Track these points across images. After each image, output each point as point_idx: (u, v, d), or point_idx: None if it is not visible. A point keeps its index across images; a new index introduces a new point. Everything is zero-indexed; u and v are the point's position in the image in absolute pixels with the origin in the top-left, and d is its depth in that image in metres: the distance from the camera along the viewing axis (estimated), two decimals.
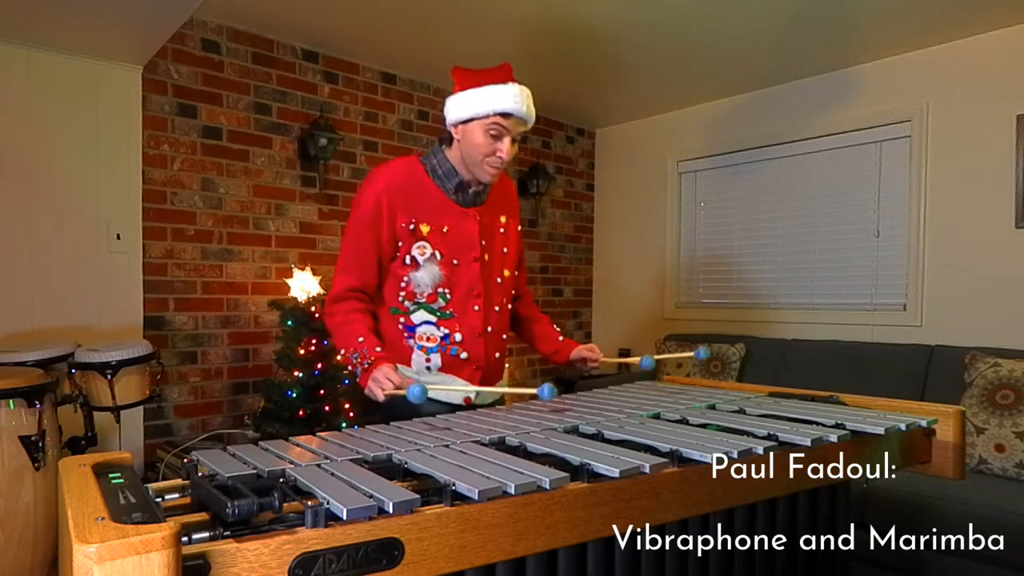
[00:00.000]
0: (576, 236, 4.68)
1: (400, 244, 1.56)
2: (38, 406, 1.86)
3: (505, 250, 1.68)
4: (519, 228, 1.76)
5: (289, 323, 2.82)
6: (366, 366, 1.46)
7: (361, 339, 1.49)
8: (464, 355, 1.59)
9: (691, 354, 1.86)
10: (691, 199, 4.24)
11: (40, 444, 1.86)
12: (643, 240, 4.47)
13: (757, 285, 3.91)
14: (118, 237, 2.72)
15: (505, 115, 1.49)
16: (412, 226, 1.54)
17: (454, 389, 1.57)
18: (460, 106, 1.52)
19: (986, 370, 2.60)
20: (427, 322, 1.58)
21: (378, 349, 1.49)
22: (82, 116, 2.64)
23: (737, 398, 1.55)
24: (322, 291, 2.97)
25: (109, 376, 2.20)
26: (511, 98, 1.48)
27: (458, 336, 1.58)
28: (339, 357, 1.55)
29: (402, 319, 1.59)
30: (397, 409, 1.43)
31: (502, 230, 1.68)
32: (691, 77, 3.67)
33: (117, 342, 2.38)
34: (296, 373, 2.78)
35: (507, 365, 1.81)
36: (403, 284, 1.57)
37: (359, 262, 1.56)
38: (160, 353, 2.53)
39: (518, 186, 4.26)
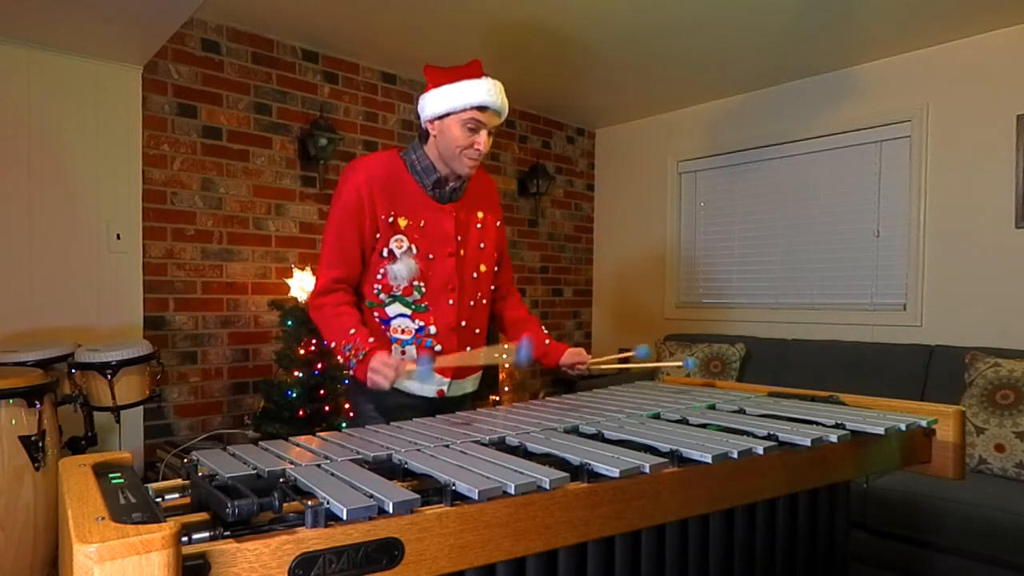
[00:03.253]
0: (576, 236, 4.67)
1: (379, 236, 1.58)
2: (38, 406, 1.86)
3: (482, 245, 1.70)
4: (498, 224, 1.77)
5: (289, 323, 2.82)
6: (360, 357, 1.48)
7: (352, 331, 1.51)
8: (439, 347, 1.62)
9: (680, 363, 1.84)
10: (691, 199, 4.24)
11: (40, 444, 1.86)
12: (643, 240, 4.47)
13: (757, 285, 3.91)
14: (118, 237, 2.72)
15: (481, 108, 1.54)
16: (391, 218, 1.57)
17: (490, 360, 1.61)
18: (436, 102, 1.56)
19: (986, 370, 2.60)
20: (402, 315, 1.61)
21: (371, 340, 1.51)
22: (82, 116, 2.64)
23: (737, 398, 1.55)
24: None
25: (109, 376, 2.20)
26: (486, 92, 1.54)
27: (432, 329, 1.62)
28: (332, 348, 1.60)
29: (376, 312, 1.62)
30: (388, 397, 1.56)
31: (479, 225, 1.70)
32: (691, 77, 3.67)
33: (117, 342, 2.38)
34: (296, 373, 2.79)
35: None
36: (379, 276, 1.59)
37: (343, 254, 1.58)
38: (160, 353, 2.53)
39: (518, 186, 4.26)
